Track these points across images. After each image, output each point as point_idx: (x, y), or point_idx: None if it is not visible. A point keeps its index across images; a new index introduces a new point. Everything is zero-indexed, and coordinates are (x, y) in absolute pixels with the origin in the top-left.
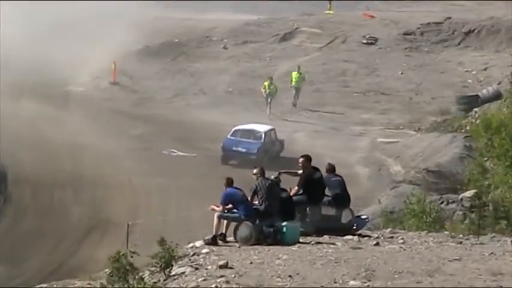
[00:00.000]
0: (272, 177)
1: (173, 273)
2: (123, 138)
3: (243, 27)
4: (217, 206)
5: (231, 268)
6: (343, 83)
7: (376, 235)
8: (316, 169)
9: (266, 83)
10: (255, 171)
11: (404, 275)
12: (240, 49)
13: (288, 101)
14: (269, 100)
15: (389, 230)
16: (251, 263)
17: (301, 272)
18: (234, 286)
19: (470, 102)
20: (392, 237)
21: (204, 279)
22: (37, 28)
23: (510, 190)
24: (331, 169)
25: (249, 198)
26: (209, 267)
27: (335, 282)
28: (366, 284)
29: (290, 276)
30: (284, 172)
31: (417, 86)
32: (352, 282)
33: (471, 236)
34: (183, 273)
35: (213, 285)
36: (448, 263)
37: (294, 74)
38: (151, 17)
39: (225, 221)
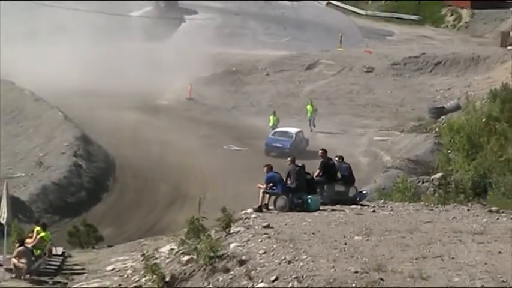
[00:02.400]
0: (300, 164)
1: (231, 231)
2: (195, 137)
3: (280, 59)
4: (262, 185)
5: (271, 228)
6: (349, 99)
7: (373, 205)
8: (331, 158)
9: (271, 117)
10: (288, 159)
11: (393, 232)
12: (278, 75)
13: None
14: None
15: (382, 201)
16: (286, 224)
17: (321, 230)
18: (273, 240)
19: (439, 112)
20: (384, 206)
21: (253, 236)
22: (133, 63)
23: (466, 173)
24: (341, 158)
25: (284, 179)
26: (256, 227)
27: (344, 237)
28: (366, 239)
29: (313, 233)
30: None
31: (401, 101)
32: (356, 238)
33: (439, 205)
34: (239, 231)
35: (259, 240)
36: (423, 224)
37: (308, 107)
38: (214, 52)
39: (268, 195)
